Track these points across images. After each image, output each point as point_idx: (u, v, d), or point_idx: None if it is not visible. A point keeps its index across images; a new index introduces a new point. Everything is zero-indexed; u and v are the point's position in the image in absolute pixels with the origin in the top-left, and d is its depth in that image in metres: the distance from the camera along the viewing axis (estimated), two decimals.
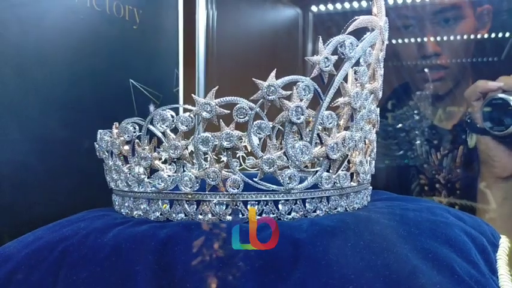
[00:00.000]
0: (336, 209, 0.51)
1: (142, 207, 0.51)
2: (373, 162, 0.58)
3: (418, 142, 1.08)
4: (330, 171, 0.50)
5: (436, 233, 0.46)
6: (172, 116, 0.48)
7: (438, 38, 1.02)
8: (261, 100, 0.47)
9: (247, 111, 0.47)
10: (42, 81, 0.69)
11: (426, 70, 1.05)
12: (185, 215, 0.49)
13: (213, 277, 0.40)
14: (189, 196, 0.49)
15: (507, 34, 0.97)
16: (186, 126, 0.48)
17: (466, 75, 1.01)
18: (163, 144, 0.49)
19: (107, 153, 0.55)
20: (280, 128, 0.50)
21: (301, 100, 0.48)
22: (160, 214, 0.50)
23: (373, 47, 0.54)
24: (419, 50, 1.04)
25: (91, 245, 0.45)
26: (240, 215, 0.48)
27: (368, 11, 0.56)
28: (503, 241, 0.56)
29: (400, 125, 1.09)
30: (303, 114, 0.48)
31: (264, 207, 0.48)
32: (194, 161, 0.49)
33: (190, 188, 0.48)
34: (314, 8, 1.31)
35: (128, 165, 0.52)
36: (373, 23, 0.54)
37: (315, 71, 0.48)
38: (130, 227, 0.48)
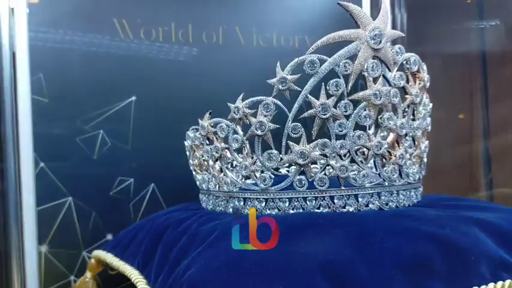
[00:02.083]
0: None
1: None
2: (384, 167, 0.59)
3: None
4: (304, 174, 0.58)
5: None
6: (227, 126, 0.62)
7: None
8: (234, 119, 0.60)
9: (225, 128, 0.61)
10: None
11: None
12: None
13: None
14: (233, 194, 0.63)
15: None
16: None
17: None
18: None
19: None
20: None
21: (264, 116, 0.58)
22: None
23: (352, 59, 0.57)
24: None
25: (156, 222, 0.70)
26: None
27: None
28: None
29: None
30: (265, 128, 0.58)
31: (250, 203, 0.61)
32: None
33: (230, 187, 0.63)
34: None
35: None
36: (351, 36, 0.57)
37: (274, 91, 0.58)
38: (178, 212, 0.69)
